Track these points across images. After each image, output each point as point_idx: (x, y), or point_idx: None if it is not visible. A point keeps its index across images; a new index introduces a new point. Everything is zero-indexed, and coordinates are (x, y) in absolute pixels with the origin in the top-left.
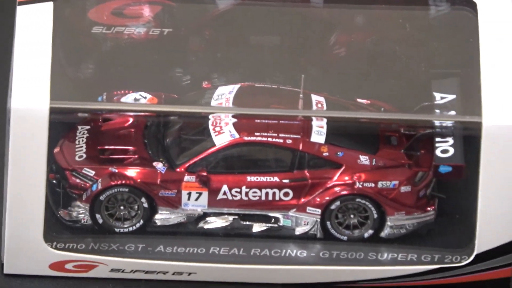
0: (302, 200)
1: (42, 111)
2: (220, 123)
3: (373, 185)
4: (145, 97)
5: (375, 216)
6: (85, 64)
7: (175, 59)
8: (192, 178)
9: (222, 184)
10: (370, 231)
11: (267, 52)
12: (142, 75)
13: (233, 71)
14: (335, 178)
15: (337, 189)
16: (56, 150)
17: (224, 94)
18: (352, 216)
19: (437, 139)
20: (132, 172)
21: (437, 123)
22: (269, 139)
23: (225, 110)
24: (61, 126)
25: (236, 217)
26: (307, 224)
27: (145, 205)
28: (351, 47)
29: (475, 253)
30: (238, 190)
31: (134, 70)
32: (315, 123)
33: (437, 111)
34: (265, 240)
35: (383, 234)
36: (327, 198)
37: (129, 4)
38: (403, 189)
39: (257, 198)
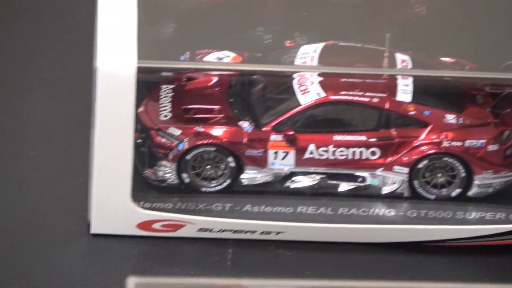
0: (389, 159)
1: (130, 70)
2: (305, 82)
3: (460, 143)
4: (229, 56)
5: (463, 175)
6: (166, 23)
7: (256, 18)
8: (279, 137)
9: (308, 143)
10: (458, 190)
11: (348, 11)
12: (223, 34)
13: (314, 30)
14: (422, 137)
15: (424, 148)
16: (141, 109)
17: (308, 53)
18: (439, 175)
19: None
20: (218, 131)
21: None
22: (355, 98)
23: (310, 68)
24: (143, 85)
25: (323, 176)
26: (395, 183)
27: (232, 164)
28: (433, 6)
29: None
30: (325, 149)
31: (215, 29)
32: (400, 81)
33: None
34: (352, 199)
35: (470, 193)
36: (415, 157)
37: None
38: (490, 147)
39: (344, 157)
